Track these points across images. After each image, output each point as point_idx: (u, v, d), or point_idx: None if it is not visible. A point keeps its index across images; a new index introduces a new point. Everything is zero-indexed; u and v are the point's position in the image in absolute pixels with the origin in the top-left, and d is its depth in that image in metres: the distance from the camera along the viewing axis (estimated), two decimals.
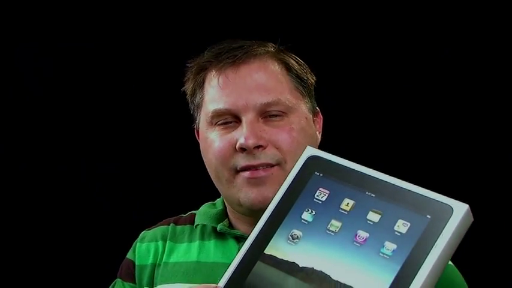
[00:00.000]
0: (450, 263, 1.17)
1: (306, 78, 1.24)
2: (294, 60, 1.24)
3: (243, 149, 1.14)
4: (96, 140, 2.20)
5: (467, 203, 0.90)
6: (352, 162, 0.99)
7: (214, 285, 0.96)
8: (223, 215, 1.26)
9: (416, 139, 2.05)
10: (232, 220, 1.25)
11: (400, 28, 2.06)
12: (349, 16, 2.09)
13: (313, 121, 1.24)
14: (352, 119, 2.06)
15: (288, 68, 1.22)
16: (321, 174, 0.99)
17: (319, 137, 1.26)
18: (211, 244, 1.24)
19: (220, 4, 2.12)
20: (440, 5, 2.03)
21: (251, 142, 1.13)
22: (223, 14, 2.11)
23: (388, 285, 0.88)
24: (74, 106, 2.20)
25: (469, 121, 2.04)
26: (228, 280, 0.96)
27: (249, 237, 0.98)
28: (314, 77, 1.26)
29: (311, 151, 1.02)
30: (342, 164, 0.99)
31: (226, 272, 0.97)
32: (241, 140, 1.14)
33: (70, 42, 2.16)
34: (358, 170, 0.98)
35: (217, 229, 1.23)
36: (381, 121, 2.07)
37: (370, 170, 0.97)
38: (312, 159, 1.01)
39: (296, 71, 1.22)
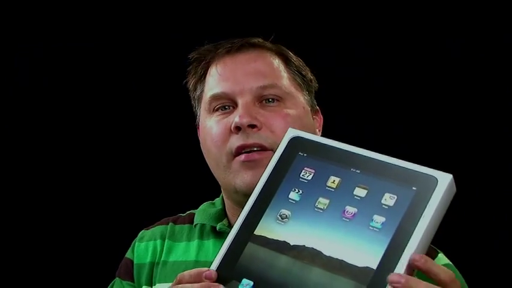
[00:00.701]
0: (449, 262, 1.19)
1: (304, 73, 1.26)
2: (293, 55, 1.26)
3: (238, 129, 1.16)
4: (95, 139, 2.20)
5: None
6: (335, 141, 1.01)
7: (206, 268, 0.96)
8: (222, 214, 1.27)
9: (417, 139, 2.08)
10: (232, 219, 1.25)
11: (396, 30, 2.10)
12: (349, 17, 2.12)
13: (313, 119, 1.26)
14: (352, 120, 2.08)
15: (286, 61, 1.24)
16: (305, 154, 1.01)
17: (319, 135, 1.27)
18: (210, 243, 1.24)
19: (221, 4, 2.13)
20: (438, 4, 2.07)
21: (245, 120, 1.15)
22: (225, 14, 2.12)
23: (380, 257, 0.90)
24: (73, 106, 2.20)
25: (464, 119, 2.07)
26: (220, 263, 0.96)
27: (237, 220, 0.99)
28: (315, 80, 1.29)
29: (293, 132, 1.03)
30: (325, 143, 1.01)
31: (218, 255, 0.97)
32: (236, 119, 1.15)
33: (70, 42, 2.17)
34: (342, 148, 0.99)
35: (217, 228, 1.24)
36: (381, 121, 2.10)
37: (353, 147, 0.99)
38: (295, 139, 1.02)
39: (294, 63, 1.25)
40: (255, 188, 1.01)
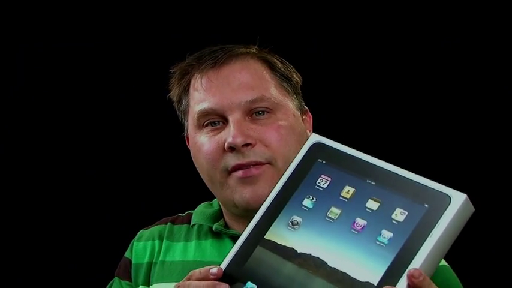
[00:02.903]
0: (445, 263, 1.16)
1: (290, 76, 1.23)
2: (277, 59, 1.23)
3: (231, 148, 1.14)
4: (94, 139, 2.20)
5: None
6: (356, 150, 0.99)
7: (214, 266, 0.97)
8: (219, 214, 1.26)
9: (409, 136, 2.03)
10: (228, 220, 1.25)
11: (387, 29, 2.05)
12: (337, 16, 2.08)
13: (303, 120, 1.23)
14: (343, 118, 2.04)
15: (271, 67, 1.21)
16: (324, 162, 0.99)
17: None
18: (207, 243, 1.24)
19: (222, 4, 2.12)
20: (433, 3, 2.02)
21: (239, 140, 1.13)
22: (225, 13, 2.11)
23: (382, 274, 0.88)
24: (73, 106, 2.21)
25: (461, 115, 2.02)
26: (229, 263, 0.97)
27: (251, 222, 0.99)
28: (300, 77, 1.26)
29: (316, 138, 1.02)
30: (345, 151, 0.99)
31: (228, 255, 0.98)
32: (229, 139, 1.14)
33: (70, 42, 2.17)
34: (361, 157, 0.98)
35: (213, 229, 1.23)
36: (372, 120, 2.05)
37: (373, 158, 0.97)
38: (316, 146, 1.01)
39: (280, 68, 1.22)
40: (271, 192, 1.01)
